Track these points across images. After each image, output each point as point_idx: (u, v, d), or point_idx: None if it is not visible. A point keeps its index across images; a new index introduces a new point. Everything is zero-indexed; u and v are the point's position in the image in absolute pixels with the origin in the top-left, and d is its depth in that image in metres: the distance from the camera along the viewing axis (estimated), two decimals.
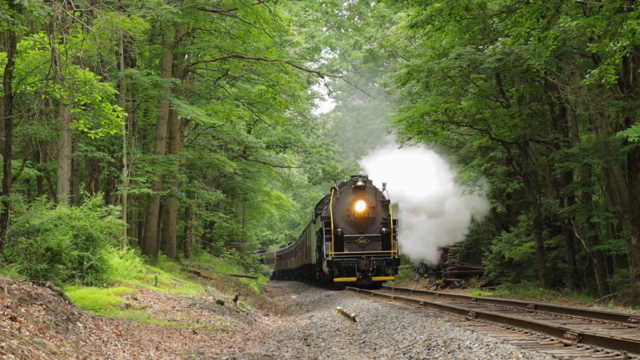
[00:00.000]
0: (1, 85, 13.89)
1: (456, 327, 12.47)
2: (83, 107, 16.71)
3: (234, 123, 32.73)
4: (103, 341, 10.28)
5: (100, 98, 15.50)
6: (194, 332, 13.57)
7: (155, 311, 15.50)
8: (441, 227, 36.87)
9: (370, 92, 60.77)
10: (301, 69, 32.28)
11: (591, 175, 26.87)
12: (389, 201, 31.04)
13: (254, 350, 12.58)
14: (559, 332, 10.58)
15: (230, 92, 32.09)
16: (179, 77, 27.17)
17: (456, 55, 23.98)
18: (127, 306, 15.34)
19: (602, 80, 18.15)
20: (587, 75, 18.44)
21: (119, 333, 11.28)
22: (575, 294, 24.16)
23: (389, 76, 39.88)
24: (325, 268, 30.81)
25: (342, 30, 60.90)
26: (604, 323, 12.91)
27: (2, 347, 7.08)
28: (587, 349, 9.52)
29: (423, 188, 36.38)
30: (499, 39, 21.93)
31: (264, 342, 13.98)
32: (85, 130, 16.92)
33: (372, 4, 48.52)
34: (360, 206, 30.67)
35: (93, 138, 18.00)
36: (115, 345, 10.38)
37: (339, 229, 30.17)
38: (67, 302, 11.28)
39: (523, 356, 8.83)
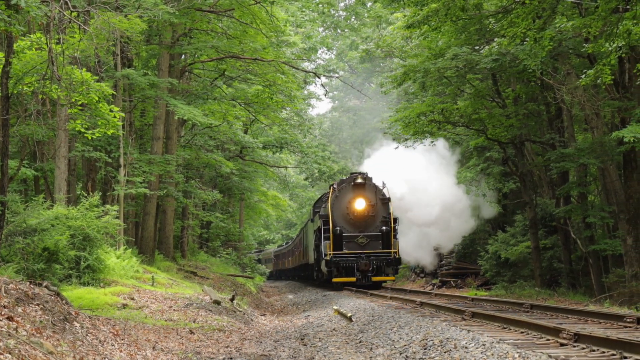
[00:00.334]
0: None
1: (452, 326, 12.50)
2: (80, 108, 16.69)
3: (231, 123, 32.75)
4: (100, 341, 10.30)
5: (97, 98, 15.49)
6: (191, 332, 13.59)
7: (152, 311, 15.52)
8: (441, 232, 36.34)
9: (367, 93, 60.91)
10: (298, 69, 32.31)
11: (587, 175, 26.93)
12: (389, 199, 30.17)
13: (251, 350, 12.61)
14: (555, 331, 10.61)
15: (227, 92, 32.11)
16: (175, 77, 27.19)
17: (452, 55, 24.03)
18: (124, 306, 15.35)
19: (598, 81, 18.18)
20: (583, 76, 18.47)
21: (115, 333, 11.30)
22: (571, 293, 24.20)
23: (386, 76, 39.81)
24: (323, 268, 30.11)
25: (339, 31, 60.96)
26: (600, 323, 12.94)
27: None
28: (583, 348, 9.55)
29: (423, 189, 36.05)
30: (495, 39, 22.00)
31: (261, 342, 14.00)
32: (82, 130, 16.90)
33: (369, 4, 48.54)
34: (359, 204, 29.84)
35: (90, 138, 17.96)
36: (112, 345, 10.40)
37: (338, 228, 29.34)
38: (64, 302, 11.29)
39: (519, 356, 8.86)
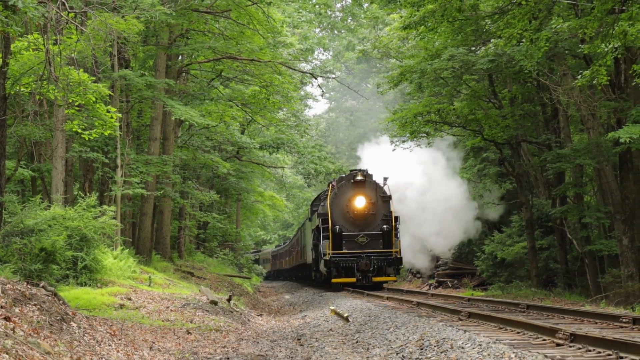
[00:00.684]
0: None
1: (449, 327, 12.53)
2: (77, 108, 16.71)
3: (228, 124, 32.74)
4: (97, 341, 10.31)
5: (94, 99, 15.51)
6: (188, 332, 13.60)
7: (149, 311, 15.52)
8: (439, 233, 36.12)
9: (364, 93, 60.82)
10: (294, 69, 32.29)
11: (583, 176, 26.98)
12: (390, 197, 29.24)
13: (248, 350, 12.62)
14: (551, 332, 10.64)
15: (223, 92, 32.12)
16: (172, 78, 27.19)
17: (449, 56, 24.07)
18: (121, 306, 15.36)
19: (594, 82, 18.23)
20: (579, 77, 18.52)
21: (113, 333, 11.31)
22: (567, 294, 24.25)
23: (382, 77, 39.87)
24: (322, 268, 29.22)
25: (335, 32, 61.02)
26: (596, 323, 12.98)
27: None
28: (579, 348, 9.58)
29: (423, 190, 35.90)
30: (492, 40, 22.05)
31: (258, 342, 14.02)
32: (79, 131, 16.93)
33: (365, 5, 48.53)
34: (359, 202, 28.87)
35: (87, 139, 18.00)
36: (109, 345, 10.41)
37: (337, 227, 28.36)
38: (61, 302, 11.30)
39: (515, 356, 8.89)
